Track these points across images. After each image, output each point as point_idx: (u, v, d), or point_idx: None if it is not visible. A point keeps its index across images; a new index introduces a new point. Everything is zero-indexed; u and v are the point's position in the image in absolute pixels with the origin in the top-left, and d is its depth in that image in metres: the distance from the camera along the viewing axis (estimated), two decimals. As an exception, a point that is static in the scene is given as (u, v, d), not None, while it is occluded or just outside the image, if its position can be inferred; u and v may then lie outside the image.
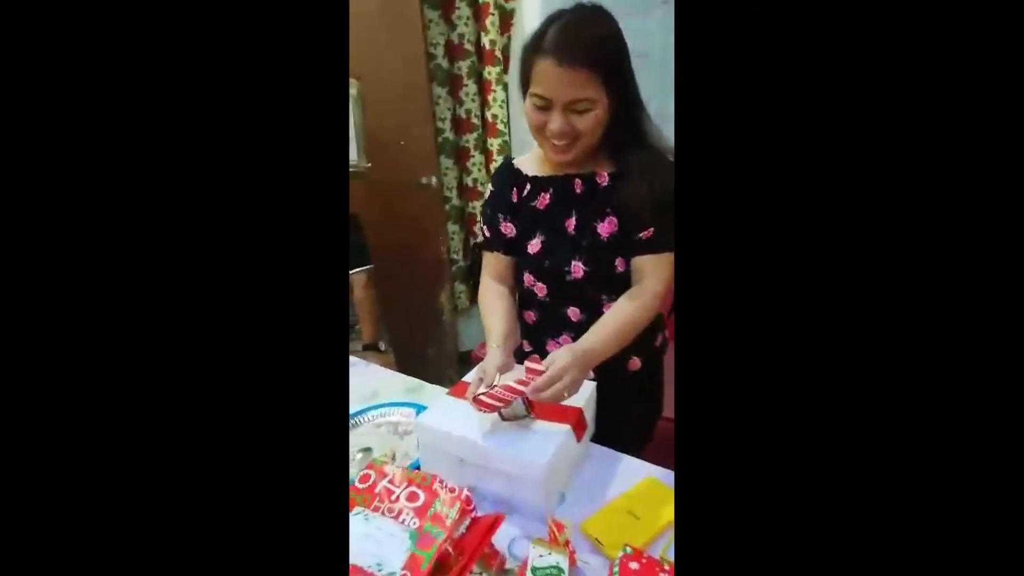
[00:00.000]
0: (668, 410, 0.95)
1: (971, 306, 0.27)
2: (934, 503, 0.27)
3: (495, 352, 0.72)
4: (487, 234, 0.86)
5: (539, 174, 0.81)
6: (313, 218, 0.32)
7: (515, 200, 0.82)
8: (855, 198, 0.28)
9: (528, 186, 0.81)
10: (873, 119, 0.28)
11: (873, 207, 0.28)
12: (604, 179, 0.77)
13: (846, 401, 0.28)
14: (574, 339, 0.81)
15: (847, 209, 0.28)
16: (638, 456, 0.76)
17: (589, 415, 0.74)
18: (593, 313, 0.79)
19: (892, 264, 0.28)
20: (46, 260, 0.28)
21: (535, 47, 0.67)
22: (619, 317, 0.73)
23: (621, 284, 0.77)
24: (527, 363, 0.65)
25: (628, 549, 0.53)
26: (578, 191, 0.78)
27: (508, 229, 0.83)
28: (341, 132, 0.35)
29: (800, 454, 0.29)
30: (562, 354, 0.65)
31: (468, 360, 1.96)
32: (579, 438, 0.70)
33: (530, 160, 0.84)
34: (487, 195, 0.88)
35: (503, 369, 0.69)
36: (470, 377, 0.77)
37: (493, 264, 0.87)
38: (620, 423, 0.80)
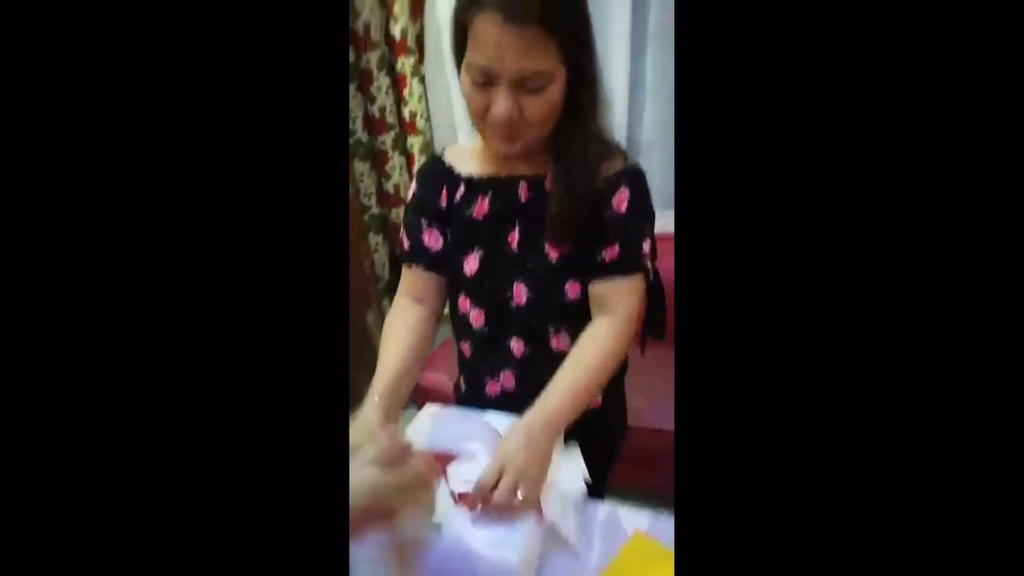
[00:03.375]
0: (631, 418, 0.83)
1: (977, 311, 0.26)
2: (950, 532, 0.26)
3: (366, 409, 0.53)
4: (405, 245, 0.68)
5: (476, 174, 0.64)
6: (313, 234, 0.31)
7: (444, 205, 0.65)
8: (860, 199, 0.27)
9: (462, 188, 0.64)
10: (875, 119, 0.27)
11: (879, 205, 0.27)
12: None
13: (853, 418, 0.27)
14: (516, 377, 0.67)
15: (853, 211, 0.27)
16: (600, 492, 0.63)
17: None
18: (538, 347, 0.64)
19: (902, 271, 0.27)
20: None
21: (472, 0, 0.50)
22: (586, 364, 0.58)
23: (571, 313, 0.63)
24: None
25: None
26: (523, 198, 0.62)
27: (434, 240, 0.65)
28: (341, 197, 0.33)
29: (808, 472, 0.28)
30: (509, 440, 0.49)
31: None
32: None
33: (464, 155, 0.66)
34: (410, 196, 0.69)
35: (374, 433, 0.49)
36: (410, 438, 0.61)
37: (411, 282, 0.68)
38: (589, 464, 0.68)
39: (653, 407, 1.19)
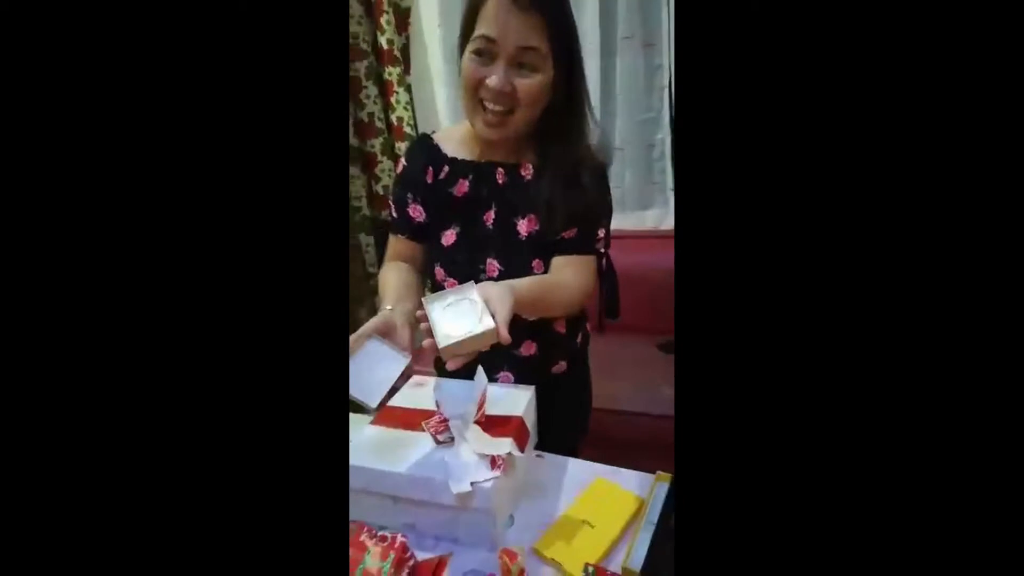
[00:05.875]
0: (599, 401, 0.91)
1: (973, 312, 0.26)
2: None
3: (383, 313, 0.61)
4: (394, 215, 0.78)
5: (460, 156, 0.74)
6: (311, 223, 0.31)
7: (429, 181, 0.74)
8: (861, 199, 0.27)
9: (446, 168, 0.74)
10: (876, 120, 0.27)
11: (879, 206, 0.27)
12: (528, 172, 0.71)
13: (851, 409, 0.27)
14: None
15: (852, 209, 0.27)
16: (574, 454, 0.72)
17: (530, 422, 0.69)
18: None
19: (896, 270, 0.27)
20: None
21: None
22: (555, 280, 0.68)
23: None
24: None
25: (590, 569, 0.48)
26: (500, 182, 0.72)
27: (417, 212, 0.76)
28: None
29: (804, 458, 0.28)
30: (494, 294, 0.57)
31: (399, 378, 1.83)
32: (522, 449, 0.65)
33: (451, 138, 0.75)
34: (398, 170, 0.80)
35: (391, 333, 0.59)
36: (400, 400, 0.69)
37: (398, 248, 0.79)
38: (554, 426, 0.76)
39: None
